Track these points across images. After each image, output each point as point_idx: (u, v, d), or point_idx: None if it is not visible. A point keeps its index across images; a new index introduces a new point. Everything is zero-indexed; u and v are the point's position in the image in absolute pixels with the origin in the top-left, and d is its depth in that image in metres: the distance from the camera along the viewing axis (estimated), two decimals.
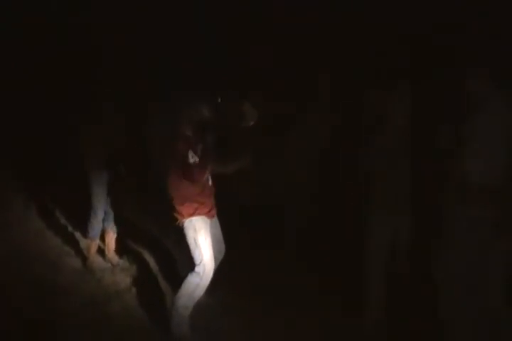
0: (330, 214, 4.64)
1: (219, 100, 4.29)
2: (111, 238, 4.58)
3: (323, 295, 4.07)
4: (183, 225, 3.52)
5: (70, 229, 4.90)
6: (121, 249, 4.66)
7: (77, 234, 4.80)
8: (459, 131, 3.10)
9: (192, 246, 3.49)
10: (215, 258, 3.57)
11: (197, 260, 3.47)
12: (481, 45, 3.53)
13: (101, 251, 4.63)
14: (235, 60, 5.67)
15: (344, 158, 4.42)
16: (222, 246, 3.74)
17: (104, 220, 4.47)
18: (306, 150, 4.70)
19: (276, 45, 5.51)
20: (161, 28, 5.79)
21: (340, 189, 4.54)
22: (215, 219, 3.70)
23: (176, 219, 3.54)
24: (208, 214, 3.58)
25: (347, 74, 4.84)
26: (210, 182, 3.64)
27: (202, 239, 3.49)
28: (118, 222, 4.55)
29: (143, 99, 5.23)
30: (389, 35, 4.76)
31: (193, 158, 3.43)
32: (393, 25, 4.75)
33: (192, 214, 3.51)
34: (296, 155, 4.75)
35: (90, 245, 4.49)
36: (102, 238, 4.60)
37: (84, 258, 4.51)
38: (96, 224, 4.43)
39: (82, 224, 4.52)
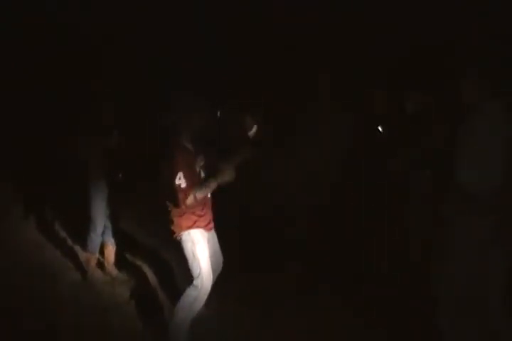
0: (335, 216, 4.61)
1: (219, 113, 4.26)
2: (110, 251, 4.58)
3: (324, 297, 4.06)
4: (181, 238, 3.50)
5: (69, 242, 4.91)
6: (120, 261, 4.66)
7: (77, 247, 4.81)
8: (457, 134, 3.06)
9: (190, 259, 3.48)
10: (213, 270, 3.56)
11: (195, 273, 3.45)
12: (481, 45, 3.47)
13: (100, 264, 4.64)
14: (235, 60, 5.63)
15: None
16: (220, 259, 3.73)
17: (103, 233, 4.47)
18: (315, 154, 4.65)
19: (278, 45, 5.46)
20: (161, 28, 5.75)
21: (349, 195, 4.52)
22: (213, 232, 3.69)
23: (174, 232, 3.52)
24: (206, 227, 3.57)
25: (348, 74, 4.79)
26: (209, 195, 3.61)
27: (200, 251, 3.48)
28: (117, 235, 4.55)
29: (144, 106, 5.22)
30: (388, 37, 4.71)
31: (179, 180, 3.34)
32: (392, 26, 4.70)
33: (190, 227, 3.49)
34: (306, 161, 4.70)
35: (90, 258, 4.49)
36: (101, 251, 4.60)
37: (83, 271, 4.52)
38: (95, 238, 4.43)
39: (82, 237, 4.52)
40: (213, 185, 3.50)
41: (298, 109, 4.83)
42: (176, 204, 3.42)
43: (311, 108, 4.75)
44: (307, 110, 4.78)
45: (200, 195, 3.44)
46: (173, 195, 3.38)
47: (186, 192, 3.37)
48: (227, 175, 3.50)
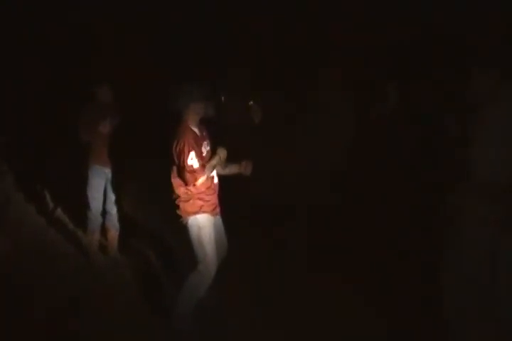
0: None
1: (223, 99, 4.26)
2: (112, 235, 4.60)
3: (324, 295, 4.05)
4: (186, 223, 3.50)
5: (71, 226, 4.89)
6: (123, 245, 4.66)
7: (79, 232, 4.79)
8: (470, 128, 3.06)
9: (195, 244, 3.47)
10: (218, 256, 3.54)
11: (199, 258, 3.45)
12: (490, 42, 3.48)
13: (103, 248, 4.64)
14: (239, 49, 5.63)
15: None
16: (225, 245, 3.71)
17: (104, 218, 4.50)
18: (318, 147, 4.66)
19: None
20: (164, 22, 5.73)
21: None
22: (219, 217, 3.67)
23: (180, 217, 3.52)
24: (212, 212, 3.56)
25: (358, 69, 4.81)
26: (216, 180, 3.61)
27: (206, 236, 3.47)
28: (121, 220, 4.57)
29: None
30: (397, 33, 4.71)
31: (191, 161, 3.38)
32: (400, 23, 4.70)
33: (197, 212, 3.49)
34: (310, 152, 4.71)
35: (91, 242, 4.49)
36: (105, 235, 4.61)
37: (85, 256, 4.52)
38: (92, 218, 4.47)
39: (83, 221, 4.53)
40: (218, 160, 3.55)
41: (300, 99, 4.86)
42: (186, 184, 3.44)
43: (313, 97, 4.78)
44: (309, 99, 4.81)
45: (209, 173, 3.49)
46: (183, 175, 3.40)
47: (198, 172, 3.40)
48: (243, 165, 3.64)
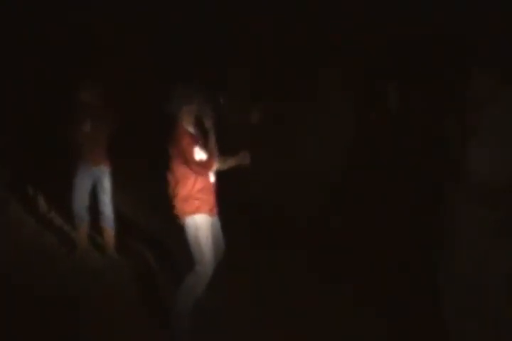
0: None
1: (221, 101, 4.26)
2: (109, 235, 4.60)
3: (324, 295, 4.05)
4: (184, 223, 3.48)
5: (66, 228, 4.89)
6: (120, 245, 4.64)
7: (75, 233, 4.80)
8: (469, 130, 3.06)
9: (192, 244, 3.45)
10: (215, 256, 3.52)
11: (197, 259, 3.43)
12: (490, 42, 3.48)
13: (101, 247, 4.65)
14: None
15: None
16: (222, 245, 3.68)
17: (99, 218, 4.54)
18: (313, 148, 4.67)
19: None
20: (162, 22, 5.73)
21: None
22: (216, 218, 3.64)
23: (177, 217, 3.50)
24: (209, 212, 3.53)
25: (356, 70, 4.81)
26: (213, 180, 3.61)
27: (203, 237, 3.45)
28: (118, 220, 4.58)
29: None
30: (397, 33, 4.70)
31: (199, 155, 3.42)
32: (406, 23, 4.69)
33: (194, 212, 3.46)
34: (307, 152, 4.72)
35: (77, 236, 4.54)
36: (101, 234, 4.65)
37: (81, 255, 4.53)
38: (78, 211, 4.50)
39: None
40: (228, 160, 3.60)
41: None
42: (203, 174, 3.48)
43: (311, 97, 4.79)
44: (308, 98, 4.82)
45: (216, 153, 3.55)
46: (197, 170, 3.43)
47: (210, 161, 3.47)
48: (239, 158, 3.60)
